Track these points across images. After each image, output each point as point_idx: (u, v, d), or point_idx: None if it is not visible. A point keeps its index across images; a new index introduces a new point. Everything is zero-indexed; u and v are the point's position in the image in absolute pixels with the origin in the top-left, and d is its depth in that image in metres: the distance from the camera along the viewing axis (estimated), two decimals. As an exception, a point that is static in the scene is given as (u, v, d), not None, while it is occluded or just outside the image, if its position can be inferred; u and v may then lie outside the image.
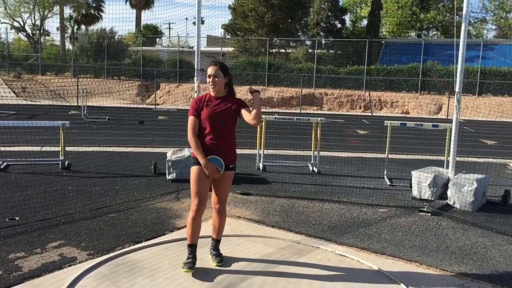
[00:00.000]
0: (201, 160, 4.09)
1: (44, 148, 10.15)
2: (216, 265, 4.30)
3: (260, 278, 4.13)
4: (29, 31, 42.13)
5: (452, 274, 4.47)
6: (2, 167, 8.09)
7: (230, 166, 4.26)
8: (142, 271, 4.19)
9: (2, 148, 8.67)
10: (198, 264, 4.31)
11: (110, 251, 4.62)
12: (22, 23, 42.05)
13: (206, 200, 4.23)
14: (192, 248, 4.29)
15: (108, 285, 3.88)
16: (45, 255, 4.48)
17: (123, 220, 5.61)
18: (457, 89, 7.05)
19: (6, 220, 5.44)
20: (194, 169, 4.19)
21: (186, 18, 34.26)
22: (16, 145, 10.02)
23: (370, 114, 25.26)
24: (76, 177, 7.75)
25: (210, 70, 4.20)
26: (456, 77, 7.09)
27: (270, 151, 10.41)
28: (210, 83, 4.20)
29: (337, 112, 25.64)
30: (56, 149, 9.12)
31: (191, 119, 4.19)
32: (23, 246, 4.68)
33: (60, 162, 8.38)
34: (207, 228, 4.79)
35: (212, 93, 4.25)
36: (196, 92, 7.67)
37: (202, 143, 4.14)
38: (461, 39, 6.89)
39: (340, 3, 36.87)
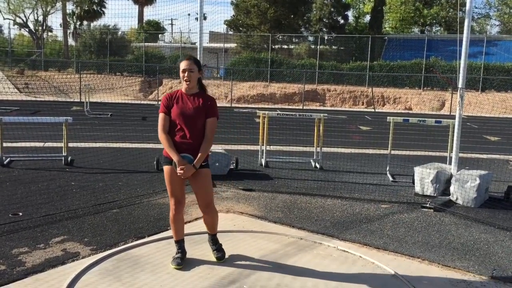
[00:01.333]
0: (174, 157, 4.00)
1: (47, 144, 10.18)
2: (217, 260, 4.28)
3: (264, 274, 4.14)
4: (31, 27, 42.18)
5: (455, 270, 4.47)
6: (5, 162, 8.11)
7: (203, 164, 4.12)
8: (145, 266, 4.20)
9: (6, 144, 8.68)
10: (201, 260, 4.33)
11: (113, 247, 4.64)
12: (24, 19, 42.08)
13: (183, 198, 4.23)
14: (179, 243, 4.32)
15: (111, 280, 3.89)
16: (48, 250, 4.50)
17: (126, 216, 5.63)
18: (460, 85, 7.03)
19: (10, 215, 5.46)
20: (166, 169, 4.13)
21: (189, 14, 34.39)
22: (19, 141, 10.06)
23: (373, 110, 25.22)
24: (79, 173, 7.76)
25: (184, 64, 4.09)
26: (459, 73, 7.07)
27: (273, 147, 10.41)
28: (185, 78, 4.08)
29: (339, 108, 25.60)
30: (59, 145, 9.14)
31: (161, 116, 4.09)
32: (26, 241, 4.70)
33: (63, 158, 8.40)
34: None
35: (184, 90, 4.15)
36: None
37: (172, 141, 4.05)
38: (465, 35, 6.87)
39: (343, -1, 36.80)
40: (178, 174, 4.02)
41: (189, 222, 5.43)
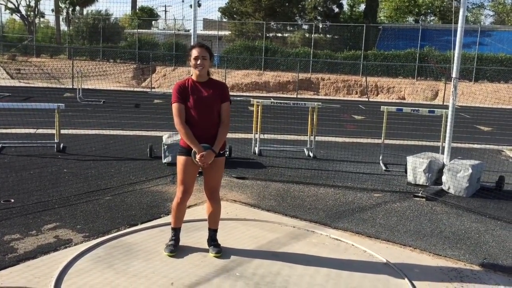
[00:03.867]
0: (195, 147, 3.96)
1: (39, 131, 10.11)
2: (214, 256, 4.18)
3: (256, 262, 4.15)
4: (23, 12, 41.66)
5: (446, 258, 4.51)
6: (-4, 149, 8.06)
7: (220, 152, 4.13)
8: (138, 253, 4.20)
9: (-3, 130, 8.62)
10: (194, 248, 4.34)
11: (106, 234, 4.63)
12: (16, 4, 41.55)
13: (192, 189, 4.21)
14: (176, 231, 4.32)
15: (104, 268, 3.89)
16: (40, 237, 4.48)
17: (118, 203, 5.62)
18: (454, 74, 7.04)
19: (1, 202, 5.43)
20: (181, 159, 4.09)
21: (183, 1, 34.19)
22: (11, 127, 9.98)
23: (367, 99, 25.24)
24: (71, 160, 7.72)
25: (197, 51, 4.02)
26: (453, 63, 7.07)
27: (266, 136, 10.40)
28: (198, 66, 4.01)
29: (333, 97, 25.60)
30: (51, 131, 9.08)
31: (176, 106, 4.00)
32: (18, 228, 4.68)
33: (55, 145, 8.35)
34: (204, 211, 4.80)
35: (195, 78, 4.10)
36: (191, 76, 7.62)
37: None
38: (459, 25, 6.86)
39: (338, -13, 36.54)
40: (198, 162, 3.98)
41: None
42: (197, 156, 3.97)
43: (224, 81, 25.86)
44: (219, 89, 4.12)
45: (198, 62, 4.02)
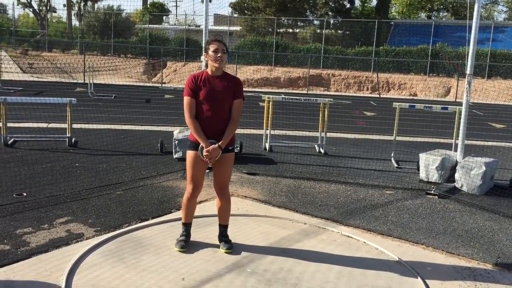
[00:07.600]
0: (203, 142, 3.94)
1: (51, 125, 10.17)
2: (225, 252, 4.17)
3: (267, 258, 4.14)
4: (35, 7, 41.95)
5: (459, 257, 4.46)
6: (9, 143, 8.11)
7: (229, 148, 4.10)
8: (149, 248, 4.20)
9: (10, 124, 8.67)
10: (204, 243, 4.34)
11: (117, 228, 4.64)
12: (28, -1, 41.85)
13: (201, 184, 4.19)
14: (187, 226, 4.31)
15: (115, 262, 3.90)
16: (52, 231, 4.50)
17: (129, 198, 5.63)
18: (468, 71, 6.95)
19: (14, 195, 5.47)
20: (190, 153, 4.07)
21: (194, -4, 34.02)
22: (23, 121, 10.05)
23: (378, 95, 25.07)
24: (83, 154, 7.76)
25: (217, 45, 3.98)
26: (467, 59, 6.99)
27: (277, 132, 10.37)
28: (218, 58, 3.97)
29: (344, 93, 25.46)
30: (63, 126, 9.13)
31: (187, 100, 3.99)
32: (30, 221, 4.71)
33: (67, 139, 8.39)
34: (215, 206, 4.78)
35: (210, 72, 4.06)
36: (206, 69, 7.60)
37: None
38: (474, 21, 6.77)
39: (350, -17, 36.29)
40: (205, 157, 3.95)
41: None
42: (204, 151, 3.96)
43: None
44: (233, 85, 4.07)
45: (219, 55, 3.97)
